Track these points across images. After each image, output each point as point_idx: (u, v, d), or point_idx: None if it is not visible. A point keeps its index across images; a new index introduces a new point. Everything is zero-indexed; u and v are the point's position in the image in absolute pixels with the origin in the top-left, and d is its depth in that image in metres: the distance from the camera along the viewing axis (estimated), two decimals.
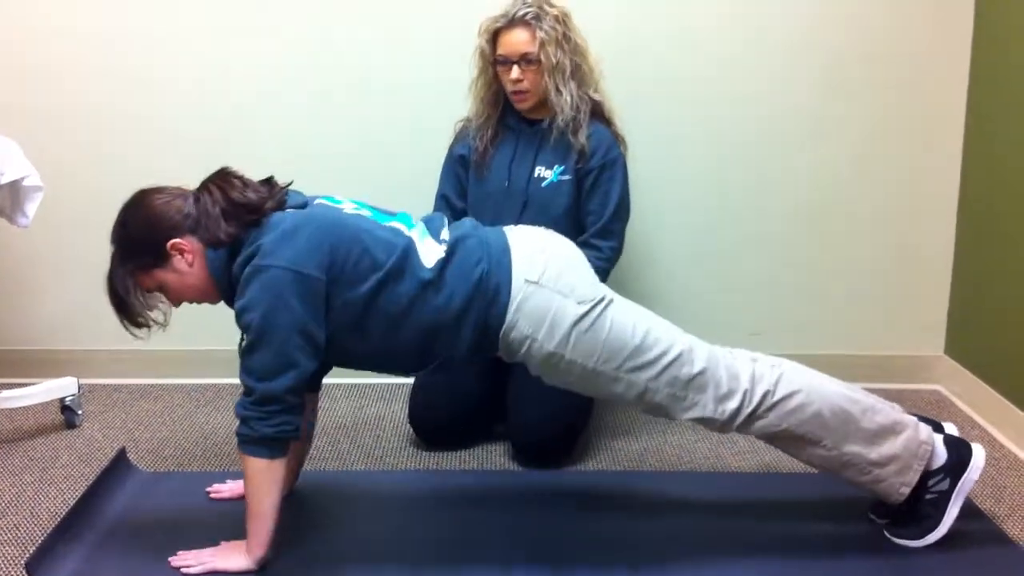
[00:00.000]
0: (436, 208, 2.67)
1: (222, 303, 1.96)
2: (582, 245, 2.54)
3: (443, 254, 1.93)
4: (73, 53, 2.89)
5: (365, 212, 1.99)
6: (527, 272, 1.92)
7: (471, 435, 2.62)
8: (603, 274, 2.54)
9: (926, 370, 3.07)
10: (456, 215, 2.63)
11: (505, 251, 1.94)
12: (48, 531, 2.04)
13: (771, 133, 2.94)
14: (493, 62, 2.49)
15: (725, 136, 2.94)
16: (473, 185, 2.63)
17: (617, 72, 2.70)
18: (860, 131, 2.94)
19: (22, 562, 1.93)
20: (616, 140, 2.55)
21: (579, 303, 1.91)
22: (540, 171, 2.54)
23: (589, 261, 2.50)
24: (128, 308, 1.90)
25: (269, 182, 1.98)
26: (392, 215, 2.02)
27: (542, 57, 2.43)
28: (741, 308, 3.05)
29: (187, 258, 1.90)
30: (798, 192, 2.98)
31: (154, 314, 1.94)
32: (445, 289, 1.90)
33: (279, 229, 1.85)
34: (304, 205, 1.96)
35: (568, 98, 2.46)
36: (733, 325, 3.05)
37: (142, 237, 1.89)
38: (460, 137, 2.66)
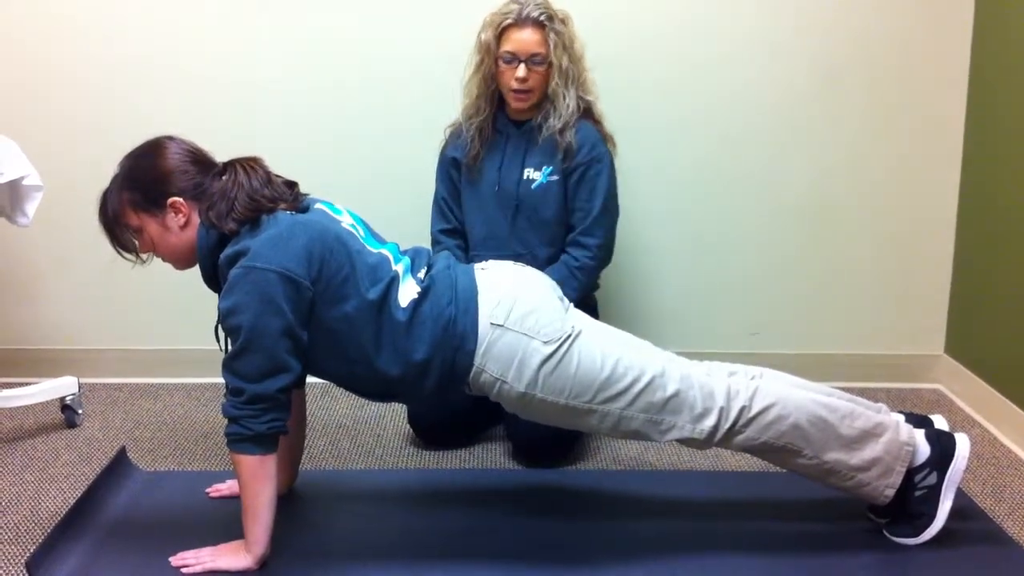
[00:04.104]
0: (436, 210, 2.66)
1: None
2: (571, 244, 2.52)
3: (416, 295, 1.93)
4: (73, 51, 2.89)
5: (359, 231, 1.99)
6: (493, 316, 1.91)
7: (470, 435, 2.62)
8: (592, 273, 2.54)
9: (926, 369, 3.07)
10: (455, 219, 2.63)
11: (473, 295, 1.94)
12: (48, 530, 2.05)
13: (769, 131, 2.94)
14: (496, 58, 2.47)
15: (722, 134, 2.94)
16: (465, 189, 2.61)
17: (613, 70, 2.69)
18: (859, 128, 2.93)
19: (22, 561, 1.93)
20: (603, 138, 2.53)
21: (545, 343, 1.90)
22: (529, 173, 2.53)
23: (578, 260, 2.49)
24: (115, 230, 1.92)
25: (292, 186, 1.98)
26: (383, 243, 2.02)
27: (552, 59, 2.42)
28: (740, 308, 3.05)
29: (180, 220, 1.90)
30: (797, 191, 2.98)
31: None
32: (415, 331, 1.90)
33: (272, 231, 1.85)
34: (306, 209, 1.96)
35: (570, 102, 2.45)
36: (732, 325, 3.05)
37: (147, 180, 1.90)
38: (451, 140, 2.64)
